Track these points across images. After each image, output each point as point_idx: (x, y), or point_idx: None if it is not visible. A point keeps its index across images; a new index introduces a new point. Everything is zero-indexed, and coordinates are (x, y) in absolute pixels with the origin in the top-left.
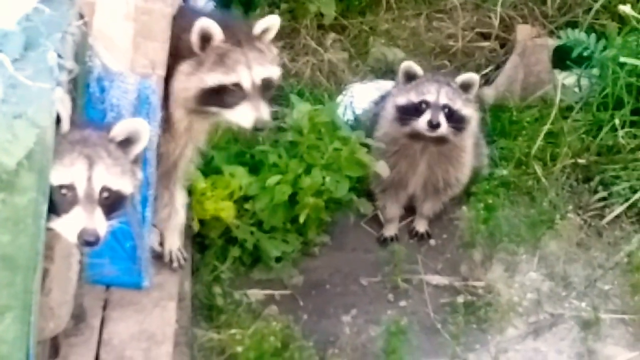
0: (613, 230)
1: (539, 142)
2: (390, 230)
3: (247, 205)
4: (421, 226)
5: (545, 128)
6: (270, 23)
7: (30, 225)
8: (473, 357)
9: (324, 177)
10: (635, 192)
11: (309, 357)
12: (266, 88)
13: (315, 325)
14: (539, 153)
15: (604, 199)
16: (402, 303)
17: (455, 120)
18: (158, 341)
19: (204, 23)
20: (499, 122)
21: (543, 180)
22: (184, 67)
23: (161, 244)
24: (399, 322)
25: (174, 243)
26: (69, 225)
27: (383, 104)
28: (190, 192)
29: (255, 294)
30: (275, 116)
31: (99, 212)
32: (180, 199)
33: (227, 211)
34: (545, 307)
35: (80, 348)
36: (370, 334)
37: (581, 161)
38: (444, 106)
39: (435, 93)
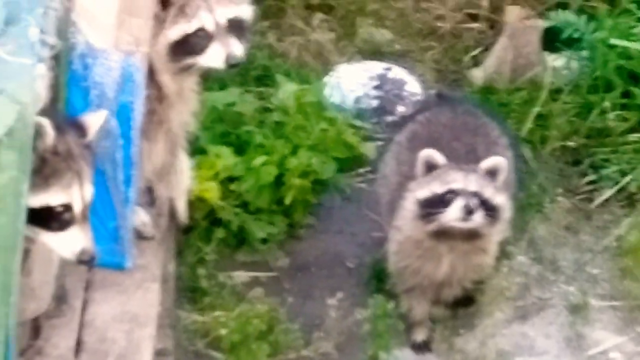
0: (602, 214)
1: (528, 124)
2: (420, 334)
3: (232, 187)
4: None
5: (535, 110)
6: None
7: (10, 204)
8: (460, 341)
9: (310, 158)
10: (624, 175)
11: (294, 340)
12: (236, 28)
13: (301, 308)
14: (528, 136)
15: (593, 182)
16: (388, 287)
17: (488, 210)
18: (141, 323)
19: None
20: (487, 104)
21: (532, 163)
22: None
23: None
24: (385, 305)
25: (181, 205)
26: (67, 245)
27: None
28: None
29: (240, 276)
30: (261, 96)
31: (90, 229)
32: (184, 163)
33: (211, 192)
34: (534, 291)
35: (61, 329)
36: (357, 317)
37: (570, 144)
38: (474, 194)
39: (463, 180)
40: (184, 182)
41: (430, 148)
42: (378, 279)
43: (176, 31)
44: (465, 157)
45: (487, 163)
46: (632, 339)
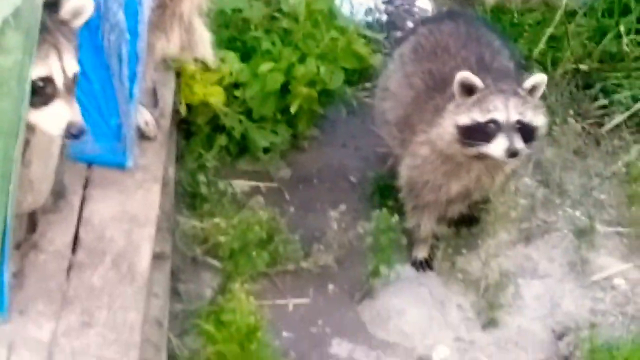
0: (612, 139)
1: (540, 46)
2: (422, 252)
3: (237, 93)
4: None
5: (548, 31)
6: None
7: (14, 88)
8: (462, 261)
9: (318, 67)
10: (636, 101)
11: (293, 251)
12: None
13: (301, 220)
14: (540, 57)
15: (604, 107)
16: (391, 203)
17: (528, 134)
18: (140, 223)
19: None
20: (499, 24)
21: None
22: None
23: None
24: (389, 218)
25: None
26: (54, 120)
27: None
28: (179, 75)
29: (241, 184)
30: (269, 2)
31: (76, 103)
32: (201, 27)
33: (216, 96)
34: (539, 214)
35: (58, 225)
36: (358, 231)
37: (583, 67)
38: (516, 123)
39: (504, 109)
40: (205, 41)
41: (437, 59)
42: (381, 194)
43: None
44: (474, 65)
45: (529, 82)
46: (637, 267)
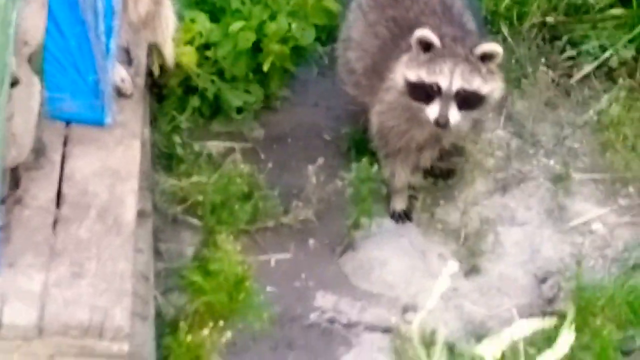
0: (582, 89)
1: (506, 0)
2: (400, 203)
3: (208, 53)
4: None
5: None
6: None
7: None
8: (441, 212)
9: (289, 24)
10: (604, 50)
11: (273, 207)
12: None
13: (279, 177)
14: (506, 12)
15: (572, 58)
16: (367, 157)
17: (472, 101)
18: (122, 178)
19: None
20: None
21: (509, 39)
22: None
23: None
24: (368, 169)
25: (168, 49)
26: None
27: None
28: None
29: (215, 145)
30: None
31: None
32: (169, 9)
33: (188, 57)
34: (514, 164)
35: (41, 182)
36: (337, 185)
37: (549, 20)
38: (458, 91)
39: (449, 75)
40: (169, 27)
41: (399, 5)
42: (357, 149)
43: None
44: (438, 8)
45: (482, 48)
46: (614, 211)
